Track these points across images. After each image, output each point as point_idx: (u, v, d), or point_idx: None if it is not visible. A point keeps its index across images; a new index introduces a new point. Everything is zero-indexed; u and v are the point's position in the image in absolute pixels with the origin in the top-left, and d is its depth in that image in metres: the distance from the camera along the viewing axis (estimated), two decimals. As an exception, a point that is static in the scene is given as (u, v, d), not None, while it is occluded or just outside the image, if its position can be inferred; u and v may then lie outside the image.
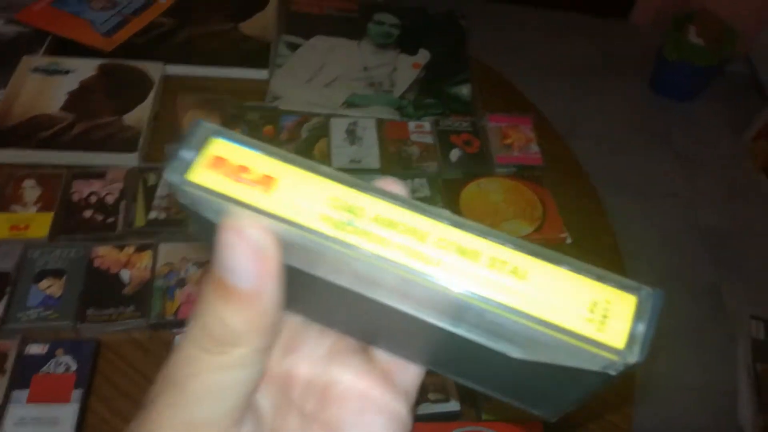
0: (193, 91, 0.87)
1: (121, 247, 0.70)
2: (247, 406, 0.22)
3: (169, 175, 0.19)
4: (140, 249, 0.70)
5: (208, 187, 0.19)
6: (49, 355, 0.62)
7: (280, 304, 0.20)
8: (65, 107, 0.82)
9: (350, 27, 1.00)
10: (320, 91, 0.91)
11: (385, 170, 0.82)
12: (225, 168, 0.19)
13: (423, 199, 0.80)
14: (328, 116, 0.87)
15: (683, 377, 1.46)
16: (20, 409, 0.59)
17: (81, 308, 0.65)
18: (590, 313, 0.17)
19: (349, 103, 0.90)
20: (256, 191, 0.19)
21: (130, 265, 0.69)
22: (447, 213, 0.18)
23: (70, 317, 0.64)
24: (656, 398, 1.41)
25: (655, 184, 1.86)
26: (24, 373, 0.61)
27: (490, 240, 0.18)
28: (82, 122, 0.81)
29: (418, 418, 0.60)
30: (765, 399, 1.37)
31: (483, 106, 0.94)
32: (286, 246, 0.19)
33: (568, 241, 0.78)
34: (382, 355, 0.26)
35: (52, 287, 0.67)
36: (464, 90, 0.95)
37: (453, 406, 0.63)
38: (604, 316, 0.17)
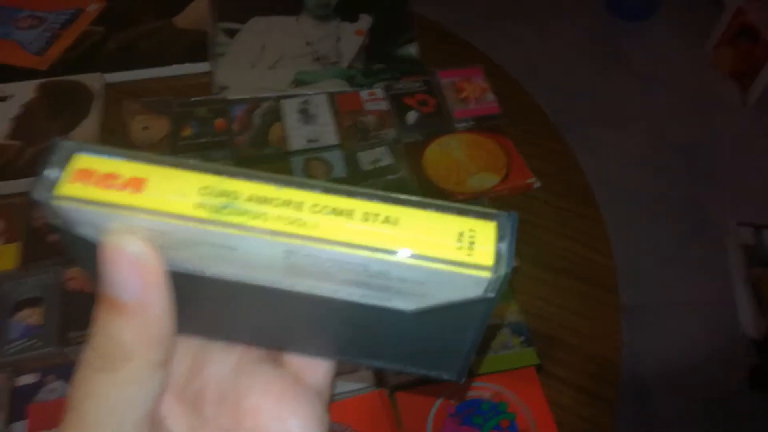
0: (137, 96, 0.85)
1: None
2: (151, 426, 0.22)
3: (37, 195, 0.19)
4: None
5: (77, 197, 0.19)
6: (41, 384, 0.62)
7: (170, 314, 0.20)
8: (11, 135, 0.80)
9: (286, 3, 0.97)
10: (266, 74, 0.89)
11: (343, 144, 0.81)
12: (92, 178, 0.19)
13: (386, 168, 0.79)
14: (278, 99, 0.86)
15: (676, 293, 1.48)
16: (21, 442, 0.59)
17: (64, 332, 0.65)
18: (459, 242, 0.19)
19: (298, 82, 0.88)
20: (126, 193, 0.19)
21: (101, 283, 0.68)
22: (318, 182, 0.19)
23: (55, 343, 0.64)
24: (651, 318, 1.43)
25: (621, 109, 1.86)
26: (19, 406, 0.61)
27: (360, 198, 0.19)
28: (32, 147, 0.79)
29: (411, 384, 0.60)
30: (764, 301, 1.39)
31: (433, 63, 0.92)
32: (168, 248, 0.19)
33: (537, 185, 0.78)
34: (290, 359, 0.26)
35: (32, 317, 0.67)
36: (412, 49, 0.93)
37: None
38: (472, 243, 0.19)
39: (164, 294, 0.20)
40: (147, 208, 0.19)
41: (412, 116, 0.85)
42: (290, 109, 0.85)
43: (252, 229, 0.19)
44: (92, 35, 0.91)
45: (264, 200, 0.19)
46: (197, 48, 0.90)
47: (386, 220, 0.19)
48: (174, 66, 0.89)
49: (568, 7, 2.11)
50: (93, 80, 0.85)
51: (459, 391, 0.60)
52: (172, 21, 0.93)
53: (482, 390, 0.61)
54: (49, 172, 0.19)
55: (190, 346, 0.25)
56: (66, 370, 0.63)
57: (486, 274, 0.19)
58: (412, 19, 0.98)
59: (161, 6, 0.95)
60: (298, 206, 0.19)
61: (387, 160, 0.80)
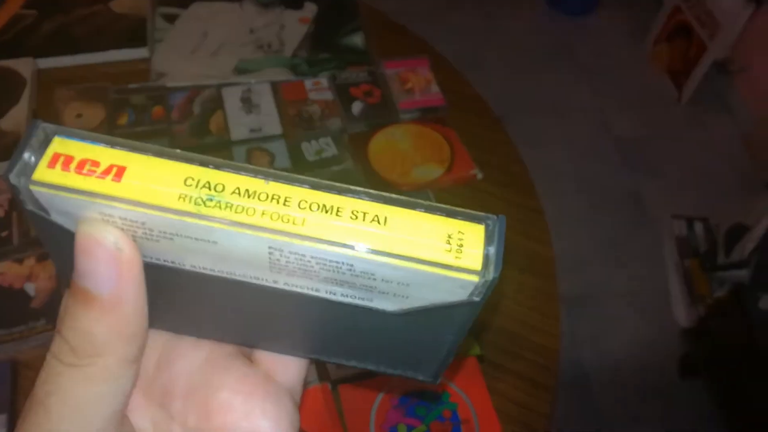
0: (71, 82, 0.82)
1: (21, 260, 0.67)
2: (121, 424, 0.21)
3: (14, 180, 0.18)
4: (42, 258, 0.67)
5: (56, 184, 0.18)
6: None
7: (144, 310, 0.20)
8: (-66, 121, 0.76)
9: (229, -11, 0.95)
10: (207, 61, 0.87)
11: (287, 134, 0.80)
12: (71, 165, 0.18)
13: (330, 159, 0.79)
14: (219, 86, 0.84)
15: (614, 284, 1.52)
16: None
17: (-8, 330, 0.62)
18: (447, 244, 0.19)
19: (240, 70, 0.86)
20: (107, 182, 0.18)
21: (33, 277, 0.66)
22: (307, 178, 0.19)
23: (-21, 342, 0.61)
24: (590, 308, 1.47)
25: (564, 101, 1.89)
26: (-60, 411, 0.58)
27: (350, 196, 0.19)
28: (-44, 134, 0.75)
29: (353, 377, 0.60)
30: (694, 292, 1.45)
31: (378, 53, 0.92)
32: (146, 239, 0.19)
33: (479, 176, 0.79)
34: (262, 356, 0.25)
35: (-44, 314, 0.63)
36: (357, 39, 0.93)
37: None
38: (460, 246, 0.19)
39: (140, 289, 0.19)
40: (127, 197, 0.18)
41: (357, 106, 0.84)
42: (232, 97, 0.83)
43: (236, 224, 0.18)
44: (24, 19, 0.87)
45: (251, 194, 0.18)
46: (135, 33, 0.87)
47: (375, 219, 0.19)
48: (110, 52, 0.86)
49: (511, 1, 2.14)
50: (23, 66, 0.82)
51: (401, 383, 0.60)
52: (108, 5, 0.90)
53: (425, 380, 0.61)
54: (27, 155, 0.18)
55: (158, 339, 0.24)
56: (-7, 370, 0.60)
57: (473, 278, 0.18)
58: (358, 8, 0.97)
59: (97, -11, 0.92)
60: (286, 202, 0.19)
61: (331, 151, 0.79)
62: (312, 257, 0.19)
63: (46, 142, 0.18)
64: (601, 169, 1.75)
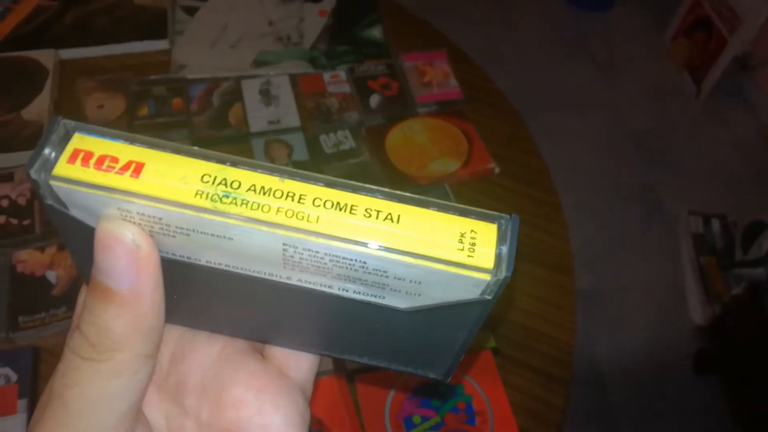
0: (93, 73, 0.83)
1: (43, 248, 0.68)
2: (136, 418, 0.21)
3: (34, 175, 0.18)
4: (63, 247, 0.68)
5: (75, 179, 0.18)
6: (-13, 371, 0.61)
7: (161, 306, 0.20)
8: (-42, 111, 0.78)
9: (248, -18, 0.96)
10: (227, 54, 0.87)
11: (305, 127, 0.80)
12: (91, 160, 0.19)
13: (348, 151, 0.79)
14: (239, 79, 0.84)
15: (629, 280, 1.51)
16: (-34, 430, 0.57)
17: (11, 317, 0.63)
18: (460, 243, 0.19)
19: (259, 62, 0.87)
20: (125, 177, 0.18)
21: (54, 265, 0.67)
22: (321, 176, 0.19)
23: (1, 328, 0.62)
24: (605, 303, 1.46)
25: (582, 96, 1.88)
26: (-36, 393, 0.59)
27: (364, 194, 0.19)
28: (-19, 123, 0.77)
29: (369, 368, 0.61)
30: (710, 289, 1.44)
31: (396, 46, 0.92)
32: (163, 234, 0.19)
33: (497, 171, 0.79)
34: (274, 352, 0.25)
35: (-21, 300, 0.65)
36: (376, 32, 0.93)
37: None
38: (473, 244, 0.19)
39: (157, 285, 0.20)
40: (145, 193, 0.18)
41: (375, 99, 0.84)
42: (251, 89, 0.83)
43: (252, 220, 0.18)
44: (46, 10, 0.88)
45: (266, 192, 0.19)
46: (155, 25, 0.88)
47: (388, 218, 0.19)
48: (131, 43, 0.87)
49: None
50: (46, 56, 0.83)
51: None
52: (129, -3, 0.91)
53: (440, 372, 0.62)
54: (48, 151, 0.19)
55: (172, 334, 0.24)
56: (13, 357, 0.61)
57: (486, 277, 0.19)
58: (377, 1, 0.97)
59: (118, -19, 0.92)
60: (301, 199, 0.19)
61: (349, 144, 0.80)
62: (326, 254, 0.19)
63: (66, 138, 0.19)
64: (619, 164, 1.74)
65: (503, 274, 0.19)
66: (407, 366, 0.25)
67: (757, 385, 1.25)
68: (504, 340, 0.66)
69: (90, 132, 0.19)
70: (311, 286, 0.20)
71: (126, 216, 0.19)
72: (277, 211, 0.19)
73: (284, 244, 0.19)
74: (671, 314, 1.46)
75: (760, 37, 1.76)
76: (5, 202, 0.71)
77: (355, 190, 0.19)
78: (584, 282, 1.46)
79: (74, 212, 0.19)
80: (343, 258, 0.19)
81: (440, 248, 0.19)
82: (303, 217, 0.19)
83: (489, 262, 0.19)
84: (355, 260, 0.19)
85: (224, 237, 0.19)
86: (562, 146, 1.70)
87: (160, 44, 0.87)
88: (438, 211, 0.19)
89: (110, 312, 0.19)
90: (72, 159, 0.19)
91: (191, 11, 0.91)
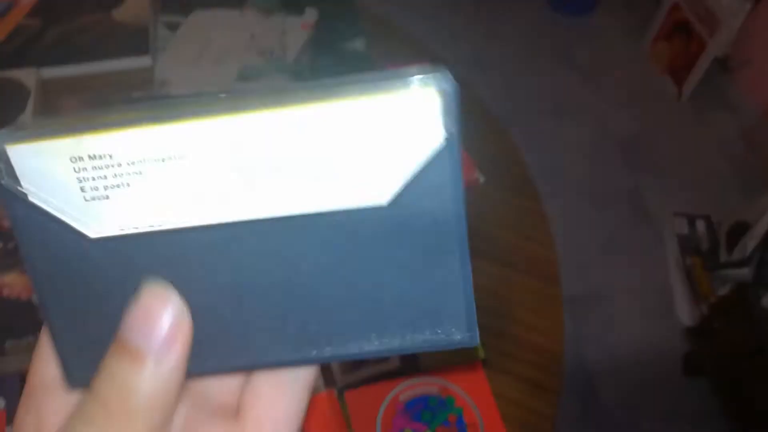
0: (76, 91, 0.83)
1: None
2: None
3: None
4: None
5: (39, 132, 0.18)
6: (-27, 397, 0.60)
7: (183, 379, 0.20)
8: (-61, 132, 0.77)
9: (230, -4, 0.96)
10: (210, 69, 0.87)
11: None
12: (50, 125, 0.19)
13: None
14: (223, 94, 0.84)
15: (617, 284, 1.52)
16: (-47, 460, 0.57)
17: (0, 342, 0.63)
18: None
19: (242, 77, 0.87)
20: (84, 122, 0.19)
21: (40, 287, 0.66)
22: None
23: (-12, 353, 0.62)
24: (593, 308, 1.47)
25: (565, 102, 1.90)
26: (-49, 423, 0.58)
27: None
28: (-39, 144, 0.76)
29: (359, 383, 0.61)
30: (697, 291, 1.45)
31: (380, 57, 0.92)
32: (118, 188, 0.19)
33: (482, 180, 0.79)
34: (249, 406, 0.23)
35: (-37, 325, 0.64)
36: (358, 44, 0.93)
37: (393, 363, 0.63)
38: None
39: (187, 353, 0.19)
40: (104, 121, 0.18)
41: (358, 112, 0.84)
42: (235, 105, 0.83)
43: (197, 117, 0.18)
44: (27, 29, 0.88)
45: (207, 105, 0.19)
46: (138, 42, 0.88)
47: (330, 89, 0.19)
48: (113, 60, 0.86)
49: (511, 1, 2.14)
50: (27, 76, 0.82)
51: (407, 388, 0.61)
52: (111, 14, 0.91)
53: (430, 386, 0.62)
54: (15, 128, 0.19)
55: None
56: (2, 383, 0.60)
57: (437, 98, 0.19)
58: (359, 13, 0.97)
59: (99, -2, 0.92)
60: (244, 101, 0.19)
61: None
62: (271, 130, 0.18)
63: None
64: (603, 168, 1.75)
65: (452, 92, 0.19)
66: (420, 329, 0.21)
67: (746, 385, 1.26)
68: (493, 351, 0.67)
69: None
70: (277, 213, 0.19)
71: (79, 168, 0.19)
72: (222, 108, 0.18)
73: (233, 135, 0.18)
74: (660, 316, 1.47)
75: (739, 38, 1.79)
76: (-12, 225, 0.71)
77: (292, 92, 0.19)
78: (572, 287, 1.46)
79: (32, 198, 0.19)
80: (294, 127, 0.18)
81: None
82: (243, 106, 0.18)
83: (434, 95, 0.19)
84: (308, 125, 0.18)
85: (177, 158, 0.19)
86: (547, 153, 1.71)
87: (143, 61, 0.87)
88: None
89: (134, 376, 0.19)
90: (35, 128, 0.19)
91: (173, 27, 0.91)
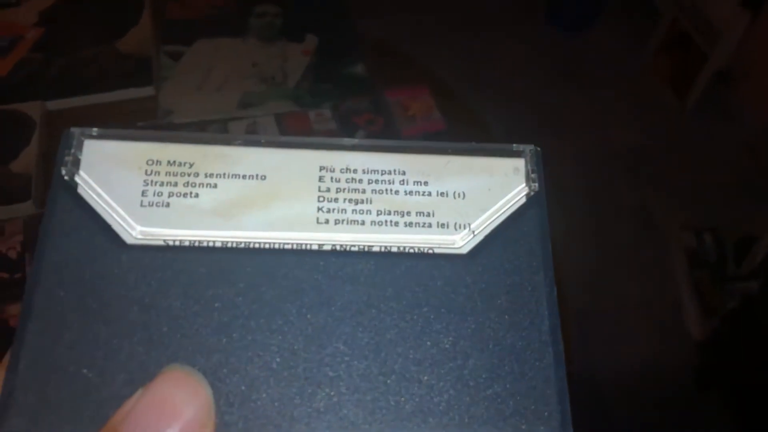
0: (81, 122, 0.83)
1: (35, 302, 0.68)
2: None
3: (75, 130, 0.21)
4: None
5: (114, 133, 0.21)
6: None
7: None
8: (-53, 166, 0.78)
9: (231, 25, 0.97)
10: (213, 97, 0.88)
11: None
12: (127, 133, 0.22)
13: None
14: (225, 121, 0.85)
15: (625, 298, 1.51)
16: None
17: (5, 373, 0.63)
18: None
19: (245, 104, 0.88)
20: (168, 137, 0.21)
21: (47, 317, 0.67)
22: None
23: (-4, 384, 0.62)
24: (602, 322, 1.46)
25: (566, 116, 1.90)
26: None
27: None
28: (-31, 177, 0.77)
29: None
30: (706, 304, 1.44)
31: (379, 80, 0.93)
32: (191, 198, 0.19)
33: (484, 200, 0.80)
34: None
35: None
36: (358, 68, 0.94)
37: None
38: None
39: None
40: (182, 135, 0.20)
41: (360, 135, 0.85)
42: (238, 131, 0.84)
43: (286, 143, 0.19)
44: (31, 62, 0.89)
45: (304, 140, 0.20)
46: (141, 72, 0.89)
47: (424, 148, 0.22)
48: (117, 91, 0.87)
49: (510, 19, 2.15)
50: (33, 108, 0.83)
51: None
52: (114, 45, 0.92)
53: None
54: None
55: None
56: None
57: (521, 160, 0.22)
58: (358, 38, 0.98)
59: (103, 31, 0.93)
60: (341, 142, 0.21)
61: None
62: (363, 172, 0.19)
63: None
64: (607, 182, 1.75)
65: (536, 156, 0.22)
66: (495, 419, 0.18)
67: (759, 399, 1.25)
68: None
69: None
70: (351, 246, 0.18)
71: (152, 171, 0.19)
72: (318, 143, 0.19)
73: (321, 168, 0.18)
74: (669, 330, 1.46)
75: (739, 50, 1.79)
76: (-5, 256, 0.71)
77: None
78: (580, 302, 1.46)
79: (83, 190, 0.20)
80: (383, 172, 0.19)
81: (475, 155, 0.21)
82: (340, 145, 0.19)
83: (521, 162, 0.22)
84: (395, 171, 0.19)
85: (257, 176, 0.18)
86: (551, 168, 1.71)
87: (146, 91, 0.88)
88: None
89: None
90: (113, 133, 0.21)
91: (176, 56, 0.92)
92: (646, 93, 1.98)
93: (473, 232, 0.19)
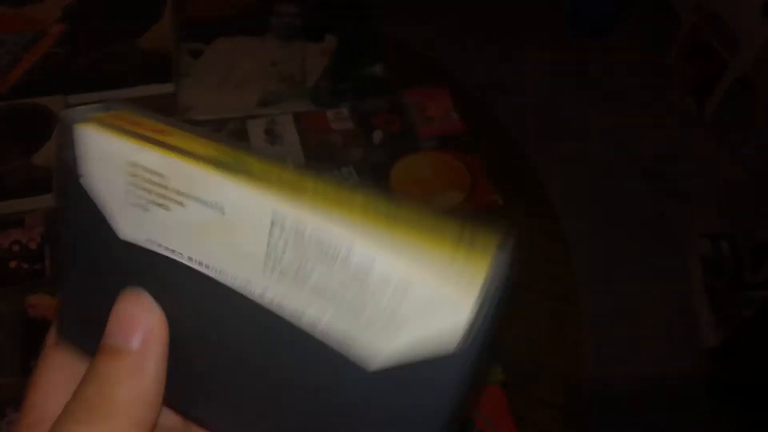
0: (101, 117, 0.85)
1: (53, 293, 0.68)
2: None
3: (69, 115, 0.20)
4: (74, 291, 0.69)
5: (110, 123, 0.20)
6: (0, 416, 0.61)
7: (163, 378, 0.21)
8: (-30, 159, 0.79)
9: (251, 24, 0.98)
10: (232, 94, 0.89)
11: (310, 165, 0.81)
12: (122, 121, 0.20)
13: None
14: (244, 119, 0.86)
15: (640, 305, 1.50)
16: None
17: (24, 361, 0.64)
18: (458, 240, 0.17)
19: (264, 102, 0.88)
20: (154, 135, 0.20)
21: (65, 309, 0.68)
22: (328, 173, 0.19)
23: (14, 373, 0.63)
24: (617, 329, 1.45)
25: (585, 123, 1.89)
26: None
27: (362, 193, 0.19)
28: (-8, 170, 0.78)
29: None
30: (722, 312, 1.43)
31: (398, 81, 0.93)
32: (157, 206, 0.20)
33: (500, 202, 0.79)
34: None
35: (-10, 345, 0.65)
36: (377, 69, 0.94)
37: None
38: (471, 243, 0.17)
39: (163, 359, 0.21)
40: (168, 142, 0.19)
41: (378, 135, 0.85)
42: (256, 129, 0.85)
43: (252, 180, 0.18)
44: (54, 57, 0.90)
45: (270, 171, 0.19)
46: (161, 69, 0.90)
47: (387, 215, 0.17)
48: (138, 87, 0.88)
49: (530, 26, 2.15)
50: (55, 102, 0.85)
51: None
52: (135, 42, 0.93)
53: (450, 408, 0.62)
54: (85, 111, 0.20)
55: None
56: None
57: (471, 295, 0.16)
58: (377, 38, 0.99)
59: (125, 27, 0.94)
60: (302, 179, 0.18)
61: (353, 180, 0.81)
62: (311, 235, 0.17)
63: (100, 109, 0.21)
64: (626, 189, 1.74)
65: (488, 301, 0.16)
66: None
67: (773, 408, 1.24)
68: (513, 374, 0.66)
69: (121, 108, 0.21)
70: (285, 306, 0.18)
71: (133, 173, 0.19)
72: (279, 180, 0.18)
73: (273, 215, 0.18)
74: (684, 338, 1.45)
75: (760, 58, 1.77)
76: (16, 247, 0.72)
77: (353, 189, 0.18)
78: (595, 308, 1.45)
79: (82, 180, 0.20)
80: (329, 243, 0.17)
81: (435, 242, 0.17)
82: (300, 188, 0.18)
83: (483, 267, 0.16)
84: (341, 246, 0.17)
85: (217, 208, 0.18)
86: (569, 173, 1.70)
87: (166, 87, 0.89)
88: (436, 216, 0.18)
89: (115, 376, 0.20)
90: (106, 117, 0.20)
91: (196, 54, 0.93)
92: (666, 100, 1.97)
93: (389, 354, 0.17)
